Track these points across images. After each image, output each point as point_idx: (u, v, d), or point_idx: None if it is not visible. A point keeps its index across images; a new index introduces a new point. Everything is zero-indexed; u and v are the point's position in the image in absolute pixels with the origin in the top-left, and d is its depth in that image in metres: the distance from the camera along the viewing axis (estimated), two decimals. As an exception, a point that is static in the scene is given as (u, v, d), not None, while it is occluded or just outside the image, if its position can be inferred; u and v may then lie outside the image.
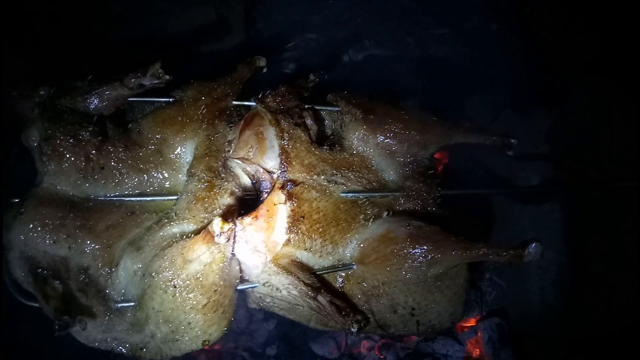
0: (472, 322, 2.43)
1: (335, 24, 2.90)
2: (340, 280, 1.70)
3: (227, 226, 1.37)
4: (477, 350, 2.41)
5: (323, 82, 2.09)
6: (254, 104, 1.83)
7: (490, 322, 2.36)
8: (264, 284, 1.64)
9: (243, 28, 2.43)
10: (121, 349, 1.57)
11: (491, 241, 1.61)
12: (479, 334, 2.40)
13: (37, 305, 1.51)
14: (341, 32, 2.89)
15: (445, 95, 2.62)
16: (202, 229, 1.52)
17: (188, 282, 1.47)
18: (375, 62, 2.90)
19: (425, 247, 1.59)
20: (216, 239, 1.36)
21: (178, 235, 1.53)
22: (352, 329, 1.59)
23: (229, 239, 1.38)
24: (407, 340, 2.49)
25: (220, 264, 1.51)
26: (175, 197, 1.64)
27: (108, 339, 1.56)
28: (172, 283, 1.47)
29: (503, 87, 2.64)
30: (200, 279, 1.48)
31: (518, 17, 2.74)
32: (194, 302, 1.48)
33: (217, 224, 1.38)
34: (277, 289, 1.63)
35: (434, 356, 2.38)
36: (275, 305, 1.74)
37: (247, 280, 1.66)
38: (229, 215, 1.54)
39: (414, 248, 1.60)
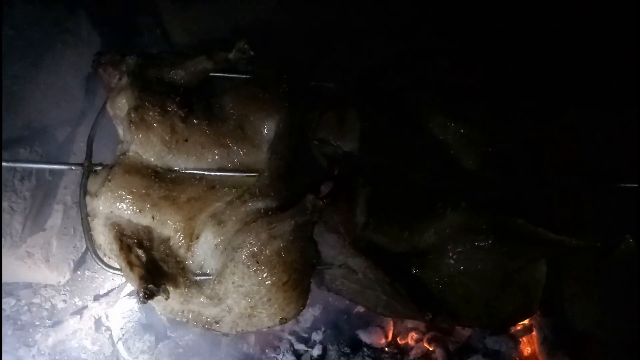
0: (527, 320, 2.39)
1: (395, 15, 2.87)
2: (414, 267, 1.68)
3: (319, 203, 1.37)
4: (530, 348, 2.38)
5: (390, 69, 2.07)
6: (332, 84, 1.82)
7: (546, 321, 2.32)
8: (339, 266, 1.64)
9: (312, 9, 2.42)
10: (195, 323, 1.58)
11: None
12: (533, 333, 2.37)
13: (119, 273, 1.53)
14: (401, 22, 2.85)
15: (508, 90, 2.58)
16: (286, 206, 1.52)
17: (271, 258, 1.47)
18: (434, 55, 2.86)
19: (508, 239, 1.56)
20: (308, 215, 1.36)
21: (262, 211, 1.52)
22: (426, 317, 1.58)
23: (320, 217, 1.37)
24: (458, 334, 2.46)
25: (303, 242, 1.51)
26: (256, 174, 1.63)
27: (184, 311, 1.56)
28: (256, 258, 1.47)
29: (568, 84, 2.59)
30: (283, 255, 1.48)
31: (581, 16, 2.68)
32: (275, 279, 1.48)
33: (309, 200, 1.37)
34: (353, 271, 1.63)
35: (485, 352, 2.35)
36: (345, 288, 1.73)
37: (322, 261, 1.65)
38: (316, 194, 1.53)
39: (496, 239, 1.57)
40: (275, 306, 1.51)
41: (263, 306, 1.51)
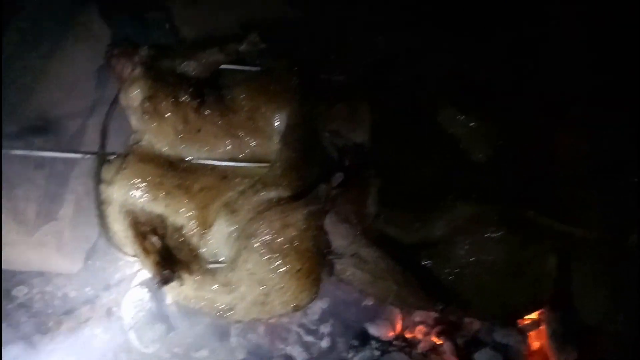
0: (535, 314, 2.39)
1: (405, 8, 2.87)
2: (425, 258, 1.69)
3: (332, 192, 1.38)
4: (539, 342, 2.38)
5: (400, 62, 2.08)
6: (343, 77, 1.83)
7: (555, 315, 2.32)
8: (351, 255, 1.65)
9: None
10: (208, 310, 1.60)
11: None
12: (542, 327, 2.37)
13: (135, 259, 1.55)
14: (411, 15, 2.85)
15: (517, 83, 2.57)
16: (299, 195, 1.54)
17: (285, 246, 1.48)
18: (438, 56, 2.86)
19: (519, 230, 1.57)
20: (321, 204, 1.37)
21: (275, 200, 1.53)
22: (437, 307, 1.60)
23: (333, 205, 1.39)
24: (466, 328, 2.47)
25: (315, 231, 1.52)
26: (268, 164, 1.65)
27: (198, 297, 1.58)
28: (269, 246, 1.48)
29: (577, 78, 2.57)
30: (296, 244, 1.49)
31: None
32: (289, 267, 1.50)
33: (322, 189, 1.39)
34: (365, 261, 1.63)
35: (493, 345, 2.35)
36: (357, 278, 1.73)
37: (333, 251, 1.66)
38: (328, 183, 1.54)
39: (507, 230, 1.58)
40: (289, 294, 1.52)
41: (276, 293, 1.52)
